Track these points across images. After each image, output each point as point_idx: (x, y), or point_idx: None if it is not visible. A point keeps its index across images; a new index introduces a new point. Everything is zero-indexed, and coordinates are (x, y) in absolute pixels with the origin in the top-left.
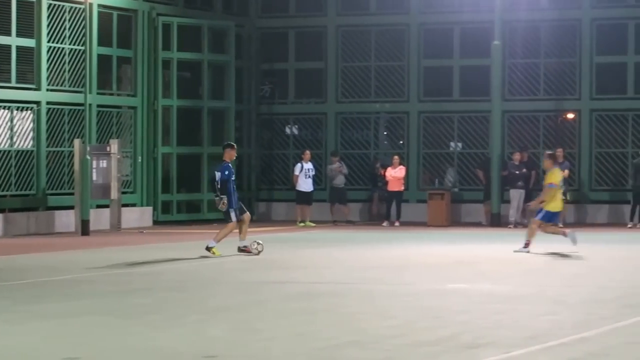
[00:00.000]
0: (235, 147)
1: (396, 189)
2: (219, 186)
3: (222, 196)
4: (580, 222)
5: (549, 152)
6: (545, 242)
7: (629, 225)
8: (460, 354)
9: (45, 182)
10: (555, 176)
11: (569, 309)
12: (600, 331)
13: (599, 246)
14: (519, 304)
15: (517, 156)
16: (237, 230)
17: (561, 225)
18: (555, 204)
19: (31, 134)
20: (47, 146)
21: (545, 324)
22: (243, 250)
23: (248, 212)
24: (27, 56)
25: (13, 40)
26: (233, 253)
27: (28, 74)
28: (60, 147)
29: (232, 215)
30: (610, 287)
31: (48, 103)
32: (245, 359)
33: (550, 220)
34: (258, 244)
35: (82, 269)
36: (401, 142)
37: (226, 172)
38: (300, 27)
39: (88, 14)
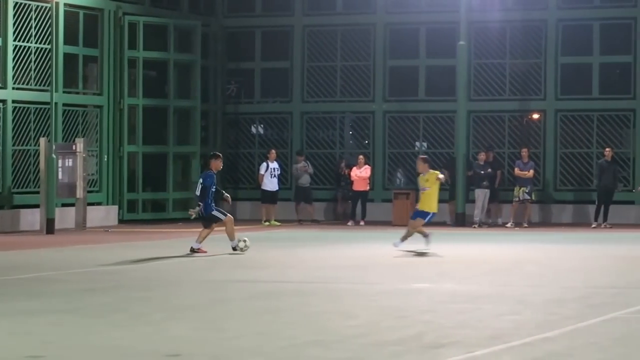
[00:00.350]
0: (221, 157)
1: (361, 188)
2: (198, 193)
3: (199, 203)
4: (545, 222)
5: (422, 156)
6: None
7: (594, 225)
8: (424, 353)
9: (10, 180)
10: (433, 178)
11: (532, 308)
12: (563, 331)
13: (563, 246)
14: (483, 304)
15: (482, 156)
16: (202, 230)
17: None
18: (435, 205)
19: None
20: (13, 145)
21: (508, 324)
22: (196, 251)
23: (214, 225)
24: None
25: None
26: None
27: None
28: (26, 145)
29: (217, 214)
30: (574, 287)
31: (14, 101)
32: (209, 357)
33: (425, 218)
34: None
35: (46, 267)
36: (366, 141)
37: (208, 179)
38: (267, 26)
39: (54, 13)
